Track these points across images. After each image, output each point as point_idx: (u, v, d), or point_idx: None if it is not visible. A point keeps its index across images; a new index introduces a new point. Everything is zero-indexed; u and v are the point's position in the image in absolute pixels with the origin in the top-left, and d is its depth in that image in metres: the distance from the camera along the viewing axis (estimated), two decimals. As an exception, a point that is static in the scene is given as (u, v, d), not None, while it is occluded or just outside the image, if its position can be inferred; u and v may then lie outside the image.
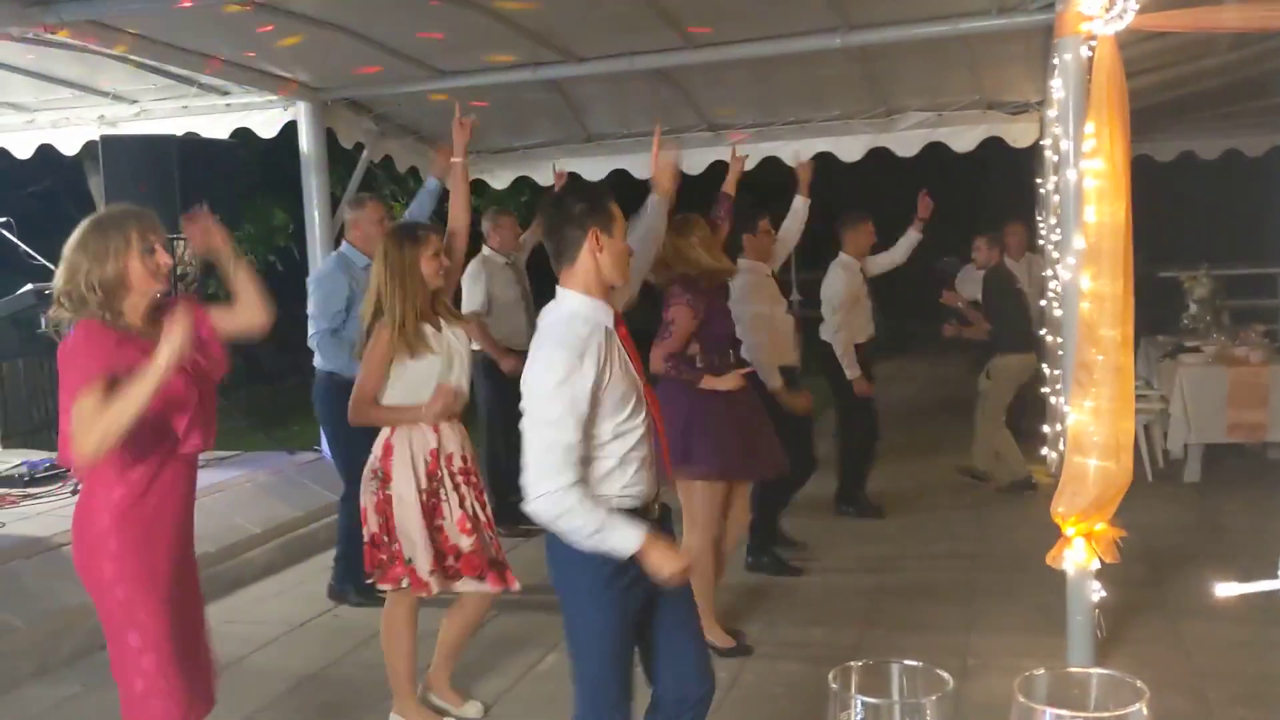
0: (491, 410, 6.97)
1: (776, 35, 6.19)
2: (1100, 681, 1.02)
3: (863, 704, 1.03)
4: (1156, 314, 9.06)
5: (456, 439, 4.23)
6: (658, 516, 3.08)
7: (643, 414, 2.97)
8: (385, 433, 4.20)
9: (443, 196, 5.49)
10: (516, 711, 4.41)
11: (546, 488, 2.78)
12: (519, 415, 3.00)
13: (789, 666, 4.76)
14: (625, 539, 2.81)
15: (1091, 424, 4.05)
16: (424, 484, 4.12)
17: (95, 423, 2.77)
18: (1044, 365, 8.11)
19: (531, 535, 6.04)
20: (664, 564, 2.85)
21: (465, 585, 4.16)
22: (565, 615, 3.05)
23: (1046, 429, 7.75)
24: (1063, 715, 1.01)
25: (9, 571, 5.32)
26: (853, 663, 1.09)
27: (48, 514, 6.08)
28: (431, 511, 4.12)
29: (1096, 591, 4.32)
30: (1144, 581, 5.51)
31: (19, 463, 7.10)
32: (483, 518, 4.24)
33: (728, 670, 4.64)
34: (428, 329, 4.19)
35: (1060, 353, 5.18)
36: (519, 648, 5.05)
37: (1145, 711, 1.03)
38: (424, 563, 4.08)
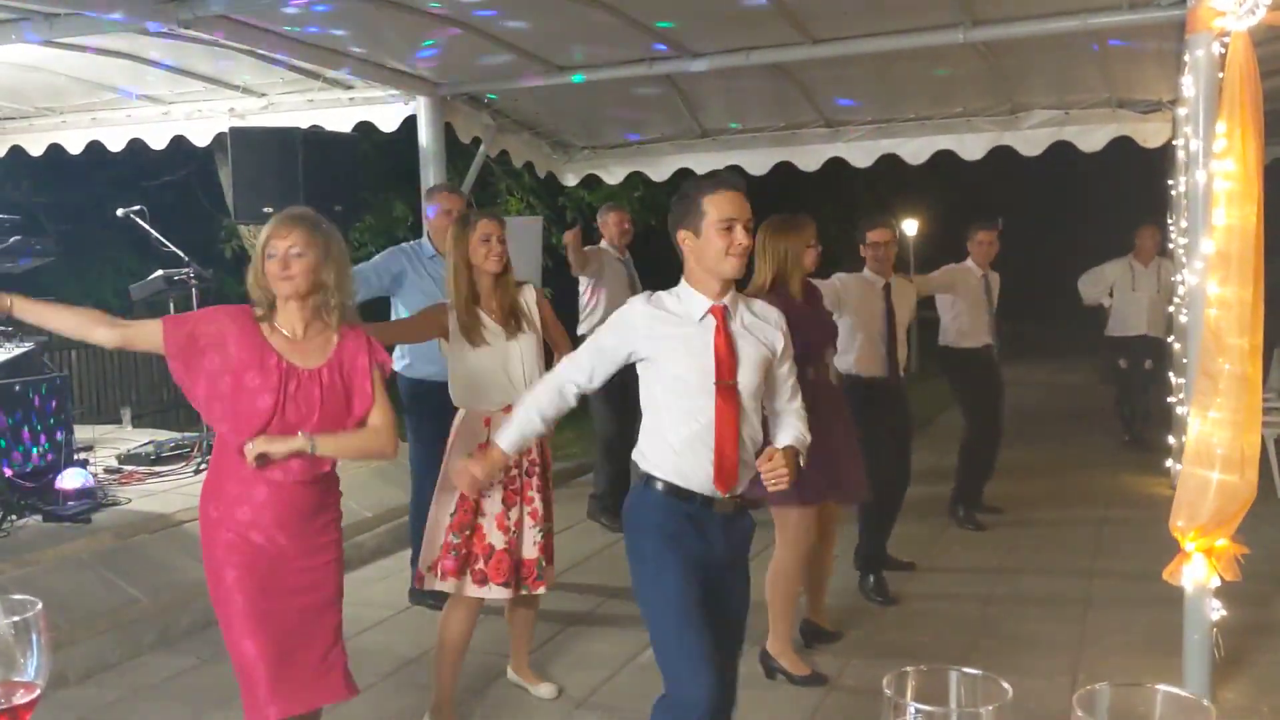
0: (603, 405, 6.98)
1: (898, 30, 6.07)
2: (1165, 700, 0.96)
3: (917, 711, 0.99)
4: (1292, 325, 8.65)
5: None
6: (729, 513, 3.06)
7: (710, 408, 2.98)
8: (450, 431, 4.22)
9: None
10: (614, 701, 4.42)
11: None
12: (631, 405, 3.05)
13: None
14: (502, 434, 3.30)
15: (1214, 435, 3.90)
16: None
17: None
18: (1170, 374, 7.81)
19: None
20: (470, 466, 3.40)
21: (491, 592, 4.04)
22: (633, 573, 3.08)
23: (1172, 440, 7.47)
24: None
25: (133, 546, 5.54)
26: (909, 668, 1.05)
27: (171, 491, 6.32)
28: (473, 508, 4.03)
29: (1216, 610, 4.15)
30: (1269, 602, 5.26)
31: (146, 441, 7.40)
32: (540, 513, 4.17)
33: (828, 670, 4.63)
34: (485, 320, 4.12)
35: (1185, 360, 4.98)
36: (620, 639, 5.05)
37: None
38: (426, 558, 4.07)
